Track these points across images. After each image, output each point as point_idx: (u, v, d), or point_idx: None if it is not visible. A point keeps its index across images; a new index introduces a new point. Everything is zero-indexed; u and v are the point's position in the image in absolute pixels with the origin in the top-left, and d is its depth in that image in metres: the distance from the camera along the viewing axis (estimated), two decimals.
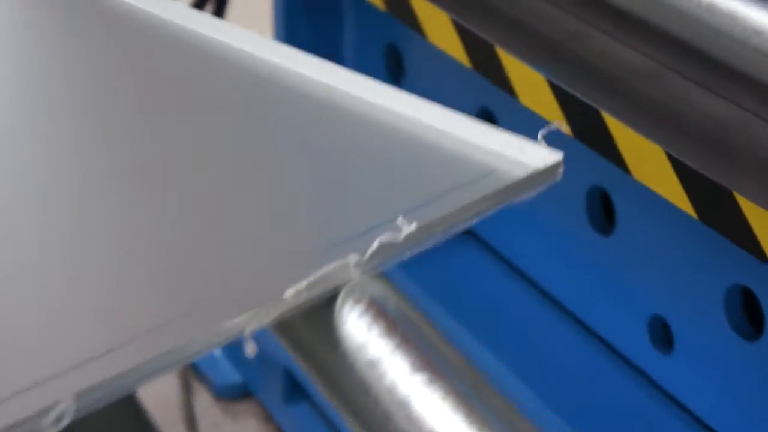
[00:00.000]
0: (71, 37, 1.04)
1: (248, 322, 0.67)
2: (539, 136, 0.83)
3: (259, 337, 0.68)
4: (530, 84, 1.28)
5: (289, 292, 0.69)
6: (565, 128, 0.84)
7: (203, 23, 1.01)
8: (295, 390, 1.83)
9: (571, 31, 1.30)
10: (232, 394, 2.00)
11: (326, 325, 0.72)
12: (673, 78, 1.21)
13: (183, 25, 1.01)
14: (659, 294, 1.29)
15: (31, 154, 0.88)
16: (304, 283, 0.70)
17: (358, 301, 0.72)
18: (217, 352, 2.00)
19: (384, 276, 0.75)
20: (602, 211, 1.34)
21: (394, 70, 1.55)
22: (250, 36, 0.97)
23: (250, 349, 0.66)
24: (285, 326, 0.74)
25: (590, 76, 1.23)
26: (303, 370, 0.73)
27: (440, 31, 1.37)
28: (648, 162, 1.20)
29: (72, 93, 0.95)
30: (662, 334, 1.30)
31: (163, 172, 0.83)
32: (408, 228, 0.75)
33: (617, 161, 1.23)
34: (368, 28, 1.58)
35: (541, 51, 1.28)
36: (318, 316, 0.72)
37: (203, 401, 1.99)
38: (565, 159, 1.30)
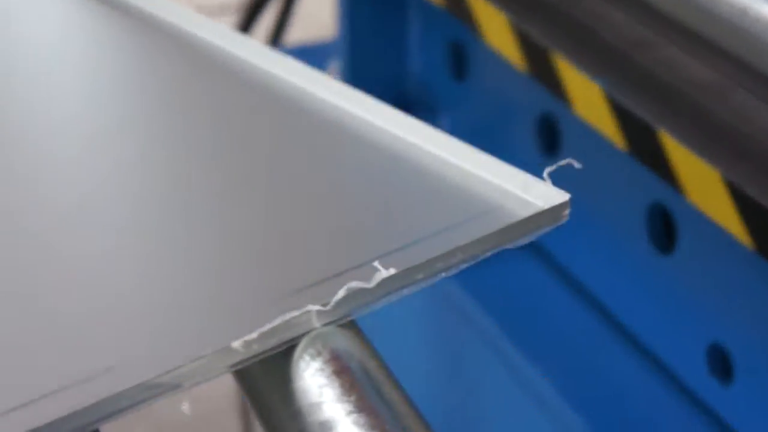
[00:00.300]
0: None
1: (188, 375, 0.62)
2: (545, 174, 0.75)
3: None
4: (585, 93, 1.20)
5: (237, 344, 0.64)
6: (578, 164, 0.77)
7: (232, 40, 0.95)
8: None
9: (635, 40, 1.22)
10: None
11: (282, 378, 0.66)
12: (741, 95, 1.13)
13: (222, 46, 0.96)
14: (719, 321, 1.21)
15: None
16: (255, 334, 0.64)
17: (318, 354, 0.66)
18: None
19: (354, 325, 0.69)
20: (663, 229, 1.26)
21: (456, 69, 1.49)
22: (246, 41, 0.92)
23: (186, 408, 0.60)
24: (242, 371, 0.68)
25: (648, 88, 1.16)
26: (257, 420, 0.67)
27: (497, 31, 1.30)
28: (704, 185, 1.12)
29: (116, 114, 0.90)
30: (721, 364, 1.23)
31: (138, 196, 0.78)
32: (383, 273, 0.68)
33: (672, 181, 1.15)
34: (432, 26, 1.51)
35: (599, 58, 1.20)
36: (275, 366, 0.67)
37: None
38: (626, 171, 1.23)
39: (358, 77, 1.57)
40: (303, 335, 0.67)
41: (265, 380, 0.67)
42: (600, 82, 1.17)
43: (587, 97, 1.19)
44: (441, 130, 0.81)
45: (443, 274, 0.72)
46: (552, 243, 1.41)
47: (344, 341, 0.67)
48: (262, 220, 0.74)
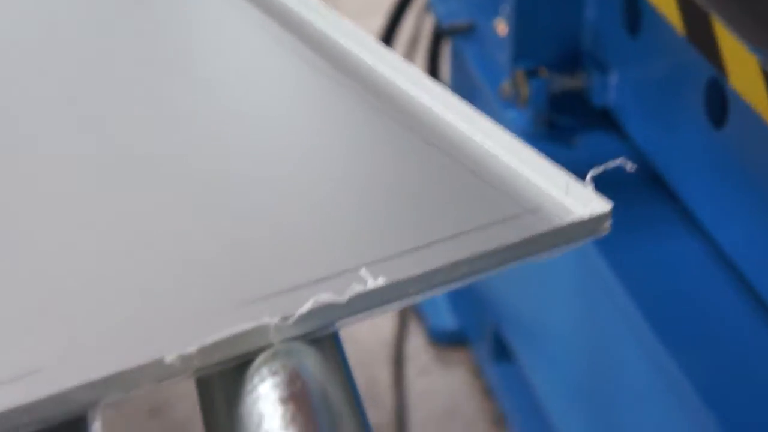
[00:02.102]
0: None
1: (104, 389, 0.54)
2: (588, 177, 0.64)
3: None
4: (742, 65, 1.06)
5: (172, 358, 0.56)
6: (631, 166, 0.65)
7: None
8: (503, 349, 1.68)
9: None
10: (446, 340, 1.87)
11: (233, 395, 0.58)
12: None
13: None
14: None
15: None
16: (194, 348, 0.56)
17: (272, 374, 0.57)
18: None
19: (331, 340, 0.60)
20: None
21: (631, 22, 1.35)
22: None
23: (96, 428, 0.53)
24: (203, 381, 0.60)
25: None
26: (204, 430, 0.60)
27: None
28: None
29: None
30: None
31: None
32: (365, 285, 0.59)
33: None
34: None
35: (763, 25, 1.05)
36: (231, 380, 0.59)
37: (416, 343, 1.87)
38: None
39: (528, 23, 1.45)
40: (263, 349, 0.59)
41: (219, 394, 0.59)
42: (758, 54, 1.03)
43: (743, 70, 1.05)
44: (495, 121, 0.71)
45: (452, 285, 0.62)
46: (709, 221, 1.28)
47: (311, 361, 0.58)
48: (240, 206, 0.66)
